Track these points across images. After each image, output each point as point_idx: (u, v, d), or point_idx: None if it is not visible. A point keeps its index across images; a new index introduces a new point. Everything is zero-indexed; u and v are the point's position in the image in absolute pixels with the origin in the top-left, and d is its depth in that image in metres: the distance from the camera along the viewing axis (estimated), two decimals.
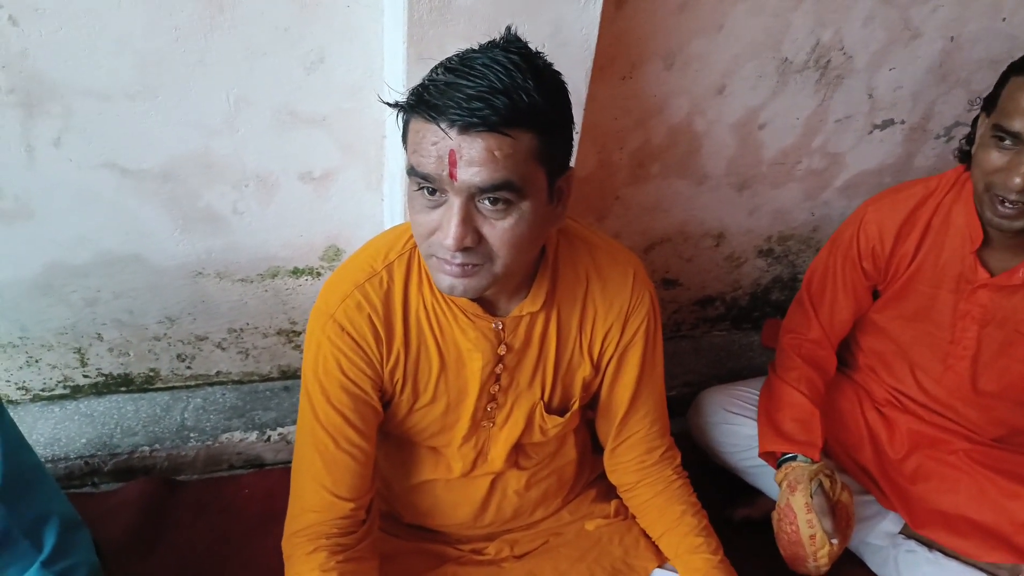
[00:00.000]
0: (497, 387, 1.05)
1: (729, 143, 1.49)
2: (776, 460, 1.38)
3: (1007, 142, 1.10)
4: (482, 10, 1.07)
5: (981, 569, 1.37)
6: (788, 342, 1.50)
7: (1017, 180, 1.09)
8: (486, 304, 0.98)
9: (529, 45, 0.83)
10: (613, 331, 1.07)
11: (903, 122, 1.55)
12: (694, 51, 1.34)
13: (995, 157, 1.12)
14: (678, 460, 1.21)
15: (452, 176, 0.78)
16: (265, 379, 1.55)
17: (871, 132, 1.55)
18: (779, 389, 1.45)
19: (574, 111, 1.17)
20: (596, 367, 1.10)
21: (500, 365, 1.03)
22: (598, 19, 1.11)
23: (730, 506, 1.55)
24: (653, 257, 1.65)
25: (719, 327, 1.85)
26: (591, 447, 1.29)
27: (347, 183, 1.32)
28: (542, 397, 1.08)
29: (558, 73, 0.86)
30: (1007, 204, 1.13)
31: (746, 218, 1.63)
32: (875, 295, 1.45)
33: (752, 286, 1.78)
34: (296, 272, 1.41)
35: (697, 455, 1.53)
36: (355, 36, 1.17)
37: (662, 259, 1.66)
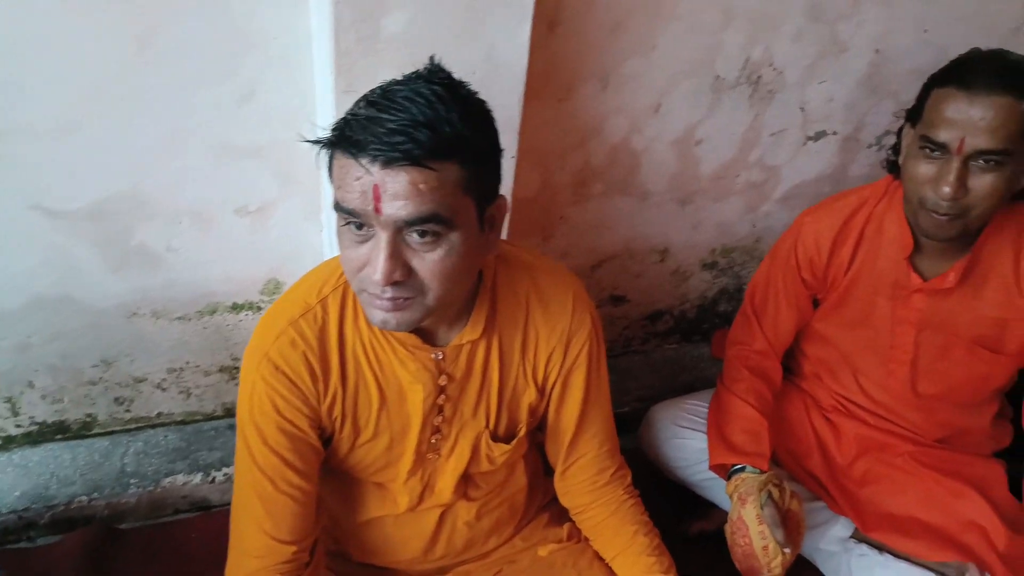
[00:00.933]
0: (440, 418, 1.03)
1: (669, 160, 1.51)
2: (727, 472, 1.39)
3: (934, 152, 1.13)
4: (412, 38, 1.07)
5: (930, 569, 1.39)
6: (734, 354, 1.52)
7: (946, 189, 1.11)
8: (425, 334, 0.97)
9: (454, 74, 0.82)
10: (556, 354, 1.07)
11: (836, 133, 1.59)
12: (629, 71, 1.35)
13: (924, 168, 1.15)
14: (629, 479, 1.21)
15: (377, 211, 0.77)
16: (209, 418, 1.51)
17: (805, 144, 1.59)
18: (727, 401, 1.46)
19: (508, 135, 1.18)
20: (541, 391, 1.09)
21: (442, 396, 1.02)
22: (528, 43, 1.12)
23: (685, 520, 1.56)
24: (601, 275, 1.65)
25: (669, 341, 1.87)
26: (543, 471, 1.28)
27: (285, 214, 1.30)
28: (487, 425, 1.07)
29: (483, 102, 0.85)
30: (938, 213, 1.15)
31: (690, 232, 1.65)
32: (816, 304, 1.47)
33: (699, 299, 1.80)
34: (236, 307, 1.38)
35: (651, 470, 1.53)
36: (286, 66, 1.15)
37: (610, 276, 1.67)
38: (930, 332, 1.35)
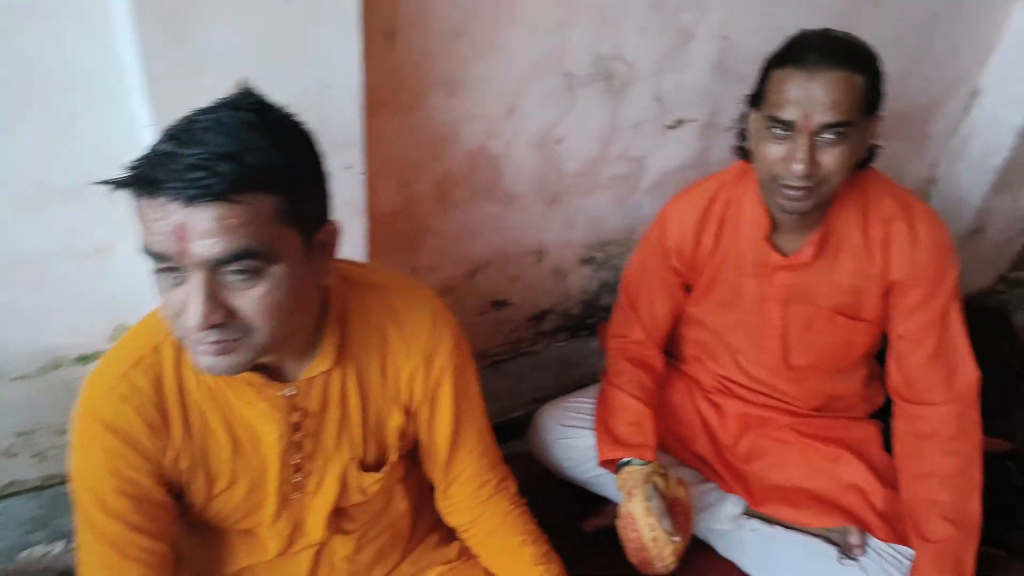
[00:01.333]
0: (300, 455, 0.99)
1: (531, 161, 1.50)
2: (616, 466, 1.39)
3: (783, 132, 1.16)
4: (233, 62, 1.01)
5: (818, 536, 1.44)
6: (614, 347, 1.53)
7: (799, 167, 1.14)
8: (271, 371, 0.92)
9: (271, 96, 0.78)
10: (418, 374, 1.04)
11: (694, 120, 1.62)
12: (476, 75, 1.33)
13: (773, 148, 1.18)
14: (514, 489, 1.20)
15: (185, 253, 0.72)
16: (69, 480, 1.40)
17: (665, 133, 1.61)
18: (611, 395, 1.47)
19: (353, 152, 1.14)
20: (408, 413, 1.06)
21: (299, 432, 0.97)
22: (359, 57, 1.08)
23: (582, 518, 1.56)
24: (479, 282, 1.63)
25: (558, 339, 1.87)
26: (429, 491, 1.24)
27: (125, 256, 1.21)
28: (354, 456, 1.03)
29: (299, 124, 0.81)
30: (793, 189, 1.18)
31: (563, 231, 1.65)
32: (689, 289, 1.49)
33: (582, 295, 1.81)
34: (83, 359, 1.28)
35: (546, 471, 1.53)
36: (105, 100, 1.07)
37: (488, 282, 1.65)
38: (795, 306, 1.39)
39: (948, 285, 1.31)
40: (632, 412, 1.44)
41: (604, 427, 1.44)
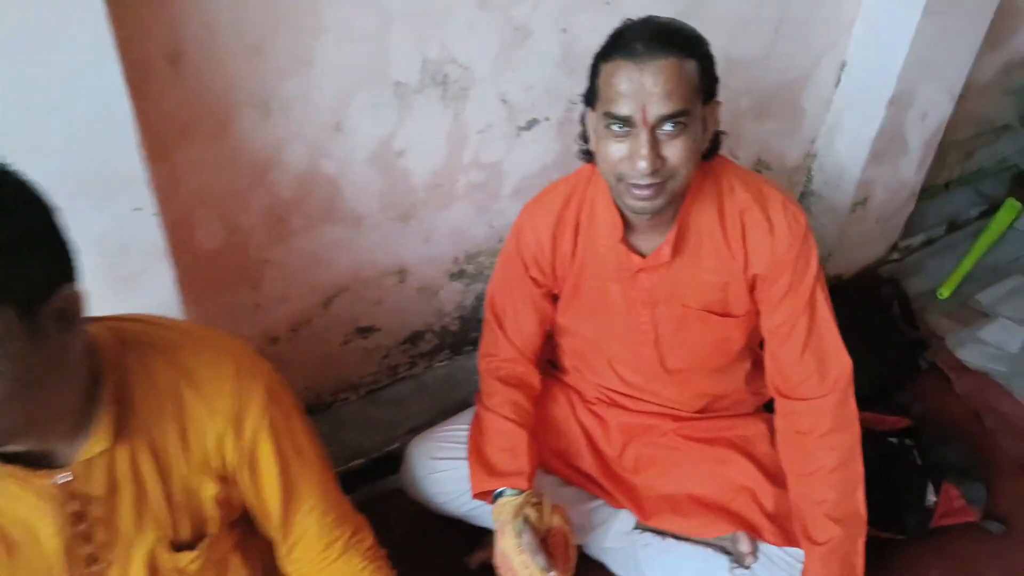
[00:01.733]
0: (92, 546, 0.87)
1: (372, 178, 1.39)
2: (492, 497, 1.31)
3: (621, 128, 1.08)
4: None
5: (711, 545, 1.38)
6: (484, 367, 1.44)
7: (643, 164, 1.07)
8: (37, 458, 0.81)
9: None
10: (227, 438, 0.93)
11: (548, 119, 1.53)
12: (289, 93, 1.21)
13: (614, 147, 1.10)
14: (369, 541, 1.11)
15: None
16: None
17: (519, 135, 1.52)
18: (485, 419, 1.39)
19: (138, 192, 1.02)
20: (225, 480, 0.95)
21: (83, 522, 0.85)
22: (125, 89, 0.95)
23: (468, 552, 1.47)
24: (337, 310, 1.52)
25: (439, 359, 1.76)
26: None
27: None
28: (163, 536, 0.92)
29: (15, 182, 0.70)
30: (641, 188, 1.10)
31: (423, 247, 1.55)
32: (557, 299, 1.41)
33: (457, 310, 1.71)
34: None
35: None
36: None
37: (347, 309, 1.53)
38: (663, 307, 1.31)
39: (810, 272, 1.25)
40: (506, 437, 1.35)
41: (477, 455, 1.35)
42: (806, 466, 1.28)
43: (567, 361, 1.51)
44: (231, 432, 0.93)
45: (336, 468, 1.56)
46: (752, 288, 1.28)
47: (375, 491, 1.58)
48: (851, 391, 1.28)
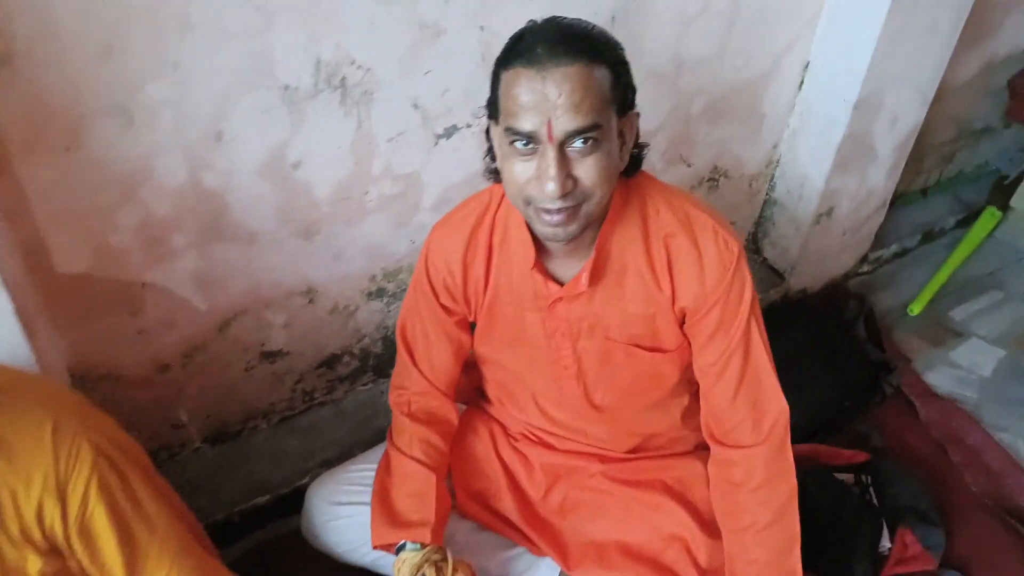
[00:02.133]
0: None
1: (265, 191, 1.25)
2: (395, 548, 1.18)
3: (526, 146, 0.93)
4: None
5: None
6: (394, 400, 1.31)
7: (551, 186, 0.92)
8: None
9: None
10: (48, 508, 0.82)
11: (469, 126, 1.39)
12: (154, 99, 1.07)
13: (520, 167, 0.96)
14: None
15: None
16: None
17: (437, 143, 1.37)
18: (393, 459, 1.26)
19: None
20: (55, 553, 0.84)
21: None
22: None
23: None
24: (236, 334, 1.38)
25: (362, 382, 1.63)
26: None
27: None
28: None
29: None
30: (552, 213, 0.96)
31: (333, 265, 1.41)
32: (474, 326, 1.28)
33: (379, 330, 1.57)
34: None
35: None
36: None
37: (249, 333, 1.40)
38: (585, 340, 1.18)
39: (743, 306, 1.12)
40: (413, 481, 1.22)
41: (381, 501, 1.22)
42: (738, 521, 1.16)
43: (491, 391, 1.38)
44: (52, 501, 0.82)
45: (239, 505, 1.46)
46: (682, 322, 1.15)
47: (280, 530, 1.45)
48: (787, 439, 1.15)
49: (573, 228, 0.99)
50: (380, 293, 1.51)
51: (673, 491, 1.29)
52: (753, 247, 2.06)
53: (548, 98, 0.90)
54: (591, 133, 0.92)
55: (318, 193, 1.31)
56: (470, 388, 1.44)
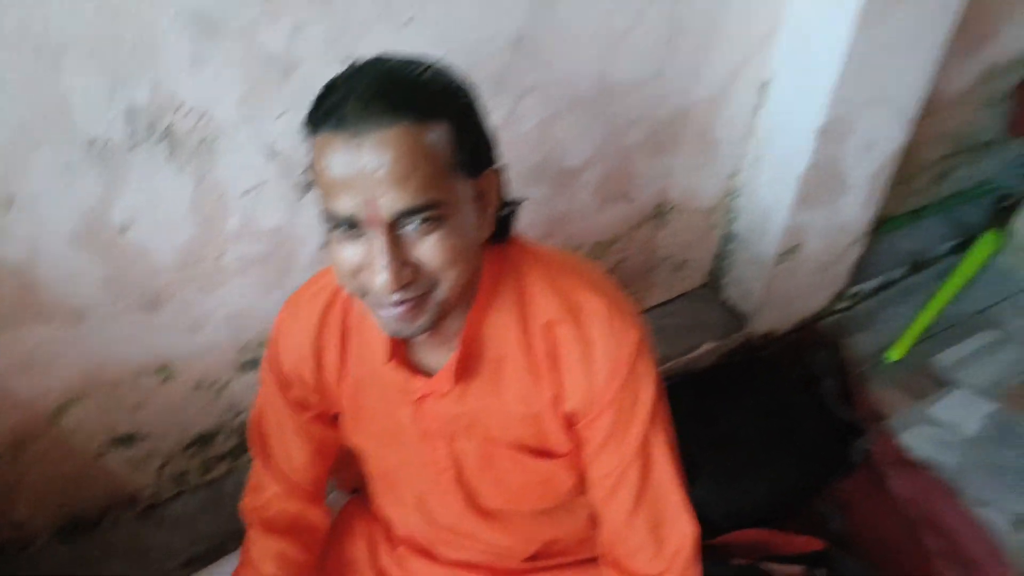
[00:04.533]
0: None
1: (84, 261, 1.04)
2: None
3: (350, 229, 0.72)
4: None
5: None
6: (247, 506, 1.10)
7: (383, 278, 0.71)
8: None
9: None
10: None
11: None
12: None
13: (347, 252, 0.74)
14: None
15: None
16: None
17: (305, 195, 1.16)
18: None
19: None
20: None
21: None
22: None
23: None
24: (75, 422, 1.18)
25: (244, 459, 1.43)
26: None
27: None
28: None
29: None
30: (392, 307, 0.75)
31: (191, 337, 1.20)
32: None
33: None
34: None
35: None
36: None
37: (94, 419, 1.20)
38: (463, 441, 0.97)
39: (642, 409, 0.90)
40: None
41: None
42: None
43: (372, 487, 1.17)
44: None
45: None
46: (569, 425, 0.94)
47: None
48: (696, 568, 0.94)
49: (422, 322, 0.77)
50: (255, 364, 1.31)
51: None
52: (712, 287, 1.83)
53: (366, 172, 0.68)
54: (427, 212, 0.71)
55: (159, 259, 1.10)
56: (360, 476, 1.24)
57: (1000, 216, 2.14)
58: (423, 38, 1.09)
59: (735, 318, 1.76)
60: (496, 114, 1.22)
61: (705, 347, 1.71)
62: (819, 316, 1.88)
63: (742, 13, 1.39)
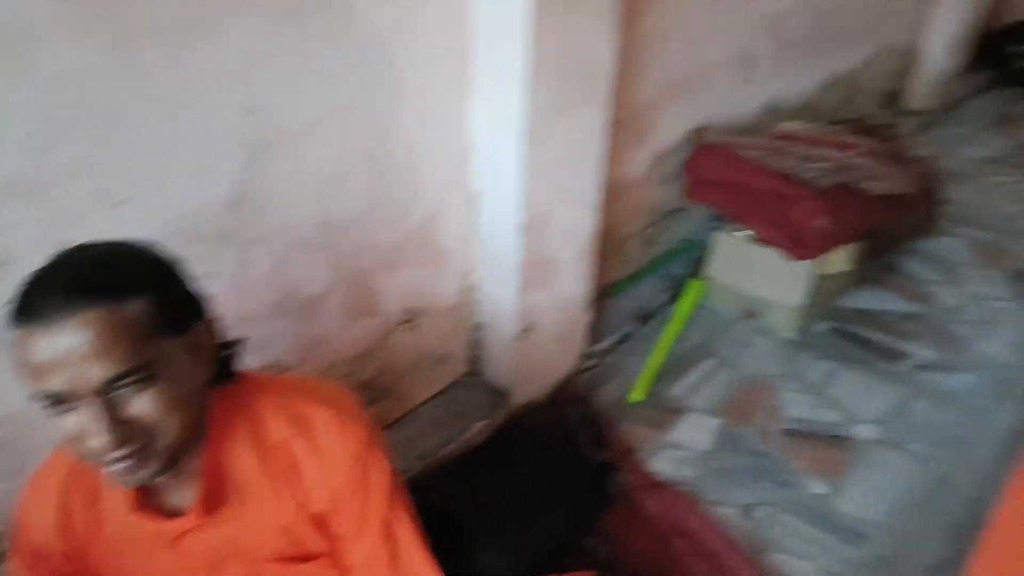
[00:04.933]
0: None
1: None
2: None
3: (62, 404, 0.82)
4: None
5: None
6: None
7: (102, 440, 0.81)
8: None
9: None
10: None
11: None
12: None
13: (67, 423, 0.83)
14: None
15: None
16: None
17: None
18: None
19: None
20: None
21: None
22: None
23: None
24: None
25: None
26: None
27: None
28: None
29: None
30: (116, 463, 0.85)
31: None
32: None
33: None
34: None
35: None
36: None
37: None
38: (231, 566, 1.06)
39: (379, 491, 1.06)
40: None
41: None
42: None
43: None
44: None
45: None
46: (322, 524, 1.07)
47: None
48: None
49: (151, 469, 0.88)
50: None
51: None
52: (473, 373, 2.05)
53: (70, 350, 0.79)
54: (135, 375, 0.83)
55: None
56: None
57: (700, 266, 2.59)
58: (139, 215, 1.22)
59: (498, 396, 1.99)
60: (225, 266, 1.37)
61: (476, 427, 1.91)
62: (569, 377, 2.16)
63: (438, 140, 1.66)
